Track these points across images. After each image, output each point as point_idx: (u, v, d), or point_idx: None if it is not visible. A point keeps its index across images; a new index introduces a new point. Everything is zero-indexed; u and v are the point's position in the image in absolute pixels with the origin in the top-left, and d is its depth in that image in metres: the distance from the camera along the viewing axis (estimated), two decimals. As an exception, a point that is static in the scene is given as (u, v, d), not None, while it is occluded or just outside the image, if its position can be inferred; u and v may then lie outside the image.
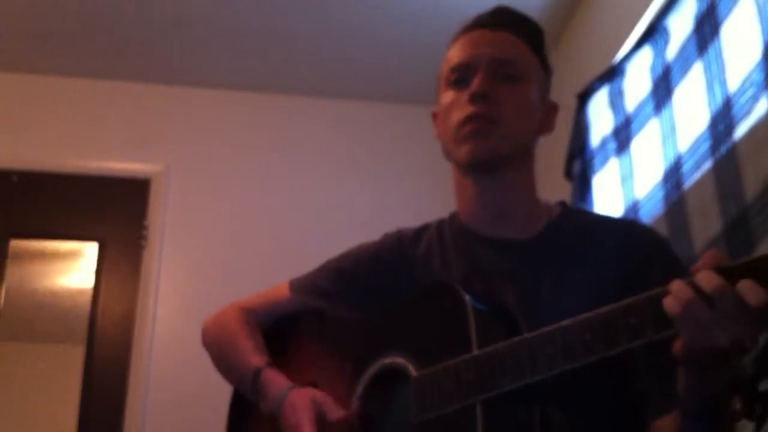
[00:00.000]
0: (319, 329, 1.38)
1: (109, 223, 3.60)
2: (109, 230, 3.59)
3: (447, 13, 3.20)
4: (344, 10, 3.36)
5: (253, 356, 1.35)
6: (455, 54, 1.29)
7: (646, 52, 2.54)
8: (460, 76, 1.27)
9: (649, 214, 2.42)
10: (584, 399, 1.08)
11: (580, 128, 2.89)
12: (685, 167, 2.23)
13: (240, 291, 1.53)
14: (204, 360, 1.47)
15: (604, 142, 2.78)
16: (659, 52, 2.45)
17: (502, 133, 1.22)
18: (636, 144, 2.57)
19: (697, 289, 0.88)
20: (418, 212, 1.73)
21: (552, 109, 1.33)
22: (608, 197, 2.73)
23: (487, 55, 1.26)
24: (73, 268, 4.83)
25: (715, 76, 2.10)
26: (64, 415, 3.89)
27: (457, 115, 1.24)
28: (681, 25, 2.32)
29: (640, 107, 2.54)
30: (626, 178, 2.60)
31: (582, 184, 2.84)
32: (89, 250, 3.84)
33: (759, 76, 1.90)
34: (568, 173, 2.92)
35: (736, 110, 2.00)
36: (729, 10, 2.07)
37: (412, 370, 1.15)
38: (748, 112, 1.94)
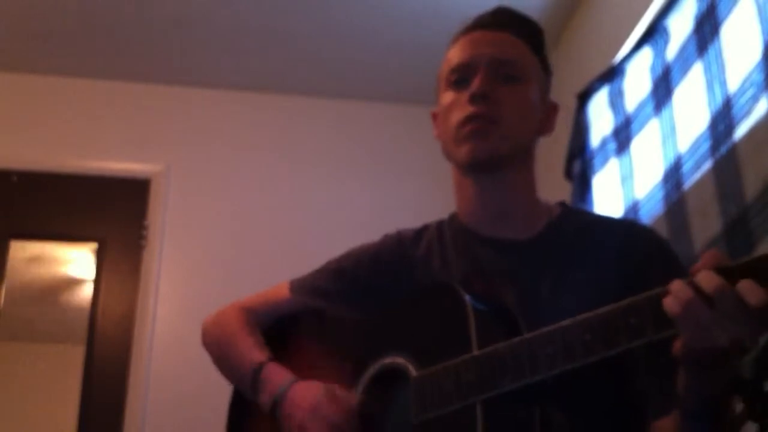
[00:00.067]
0: (319, 329, 1.38)
1: (109, 223, 3.60)
2: (109, 230, 3.59)
3: (447, 13, 3.21)
4: (344, 10, 3.36)
5: (254, 352, 1.35)
6: (455, 54, 1.29)
7: (646, 53, 2.54)
8: (460, 77, 1.27)
9: (649, 214, 2.41)
10: (584, 399, 1.08)
11: (580, 128, 2.89)
12: (685, 167, 2.23)
13: (240, 291, 1.53)
14: (204, 360, 1.47)
15: (604, 143, 2.78)
16: (659, 53, 2.45)
17: (502, 134, 1.22)
18: (636, 144, 2.57)
19: (697, 289, 0.88)
20: (418, 212, 1.73)
21: (552, 110, 1.33)
22: (608, 197, 2.73)
23: (487, 55, 1.26)
24: (74, 268, 4.84)
25: (715, 76, 2.10)
26: (64, 415, 3.89)
27: (457, 116, 1.24)
28: (681, 25, 2.32)
29: (640, 107, 2.54)
30: (626, 179, 2.60)
31: (582, 185, 2.83)
32: (89, 250, 3.84)
33: (759, 77, 1.90)
34: (568, 173, 2.92)
35: (736, 110, 1.99)
36: (729, 10, 2.07)
37: (412, 370, 1.15)
38: (748, 113, 1.94)
